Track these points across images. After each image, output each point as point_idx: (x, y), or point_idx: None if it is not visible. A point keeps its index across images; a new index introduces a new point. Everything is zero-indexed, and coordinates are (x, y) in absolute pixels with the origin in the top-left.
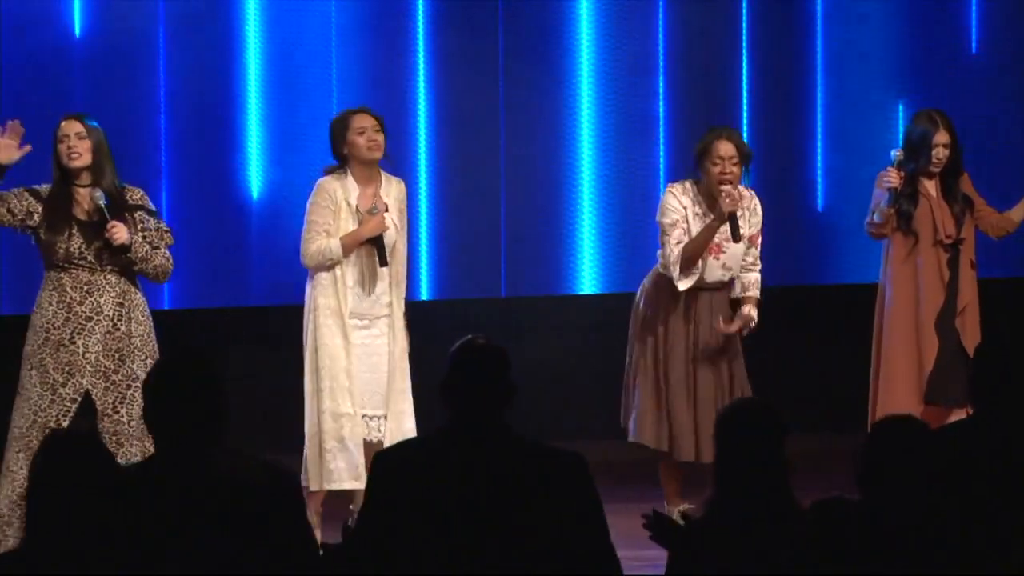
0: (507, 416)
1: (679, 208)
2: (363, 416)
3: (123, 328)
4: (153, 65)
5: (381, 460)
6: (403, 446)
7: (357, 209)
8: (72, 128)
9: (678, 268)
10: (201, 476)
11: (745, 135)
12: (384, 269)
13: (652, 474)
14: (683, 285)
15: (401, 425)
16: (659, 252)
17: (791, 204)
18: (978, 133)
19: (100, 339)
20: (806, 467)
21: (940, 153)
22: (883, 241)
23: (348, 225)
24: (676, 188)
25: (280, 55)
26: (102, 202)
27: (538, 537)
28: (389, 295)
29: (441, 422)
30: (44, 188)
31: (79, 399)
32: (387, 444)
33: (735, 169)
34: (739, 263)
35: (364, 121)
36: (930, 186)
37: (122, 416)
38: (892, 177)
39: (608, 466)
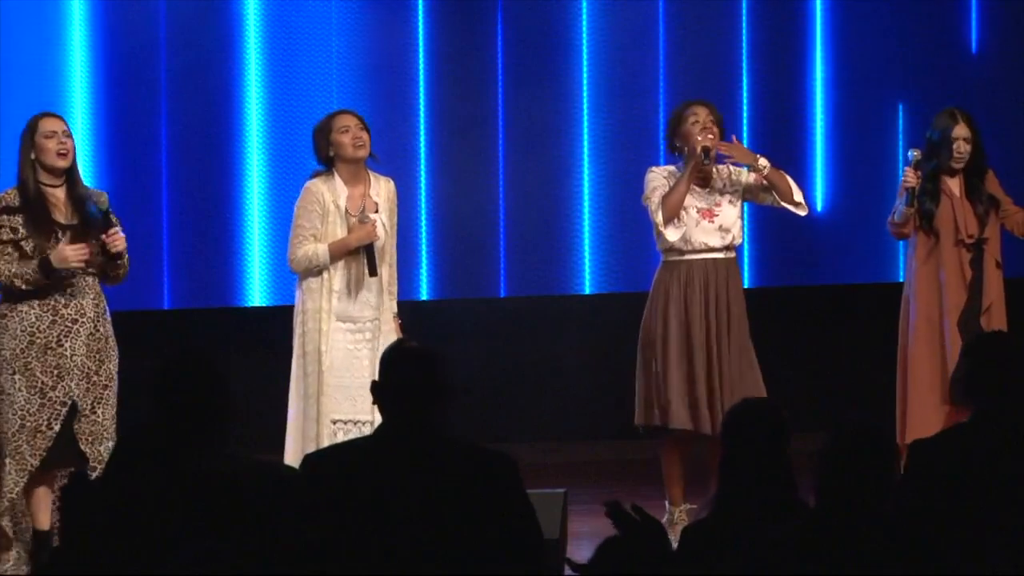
0: (496, 416)
1: (659, 177)
2: (333, 421)
3: (101, 330)
4: (154, 65)
5: (309, 462)
6: (333, 449)
7: (346, 211)
8: (59, 126)
9: (660, 214)
10: (205, 476)
11: (745, 135)
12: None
13: (652, 473)
14: (671, 235)
15: None
16: (654, 233)
17: None
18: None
19: (84, 341)
20: (806, 467)
21: (961, 147)
22: (904, 241)
23: (336, 228)
24: (656, 168)
25: (280, 55)
26: (104, 207)
27: (466, 537)
28: (378, 297)
29: (449, 421)
30: (10, 195)
31: (69, 402)
32: None
33: (715, 128)
34: (737, 225)
35: (347, 120)
36: (953, 185)
37: (99, 416)
38: (909, 177)
39: (608, 466)
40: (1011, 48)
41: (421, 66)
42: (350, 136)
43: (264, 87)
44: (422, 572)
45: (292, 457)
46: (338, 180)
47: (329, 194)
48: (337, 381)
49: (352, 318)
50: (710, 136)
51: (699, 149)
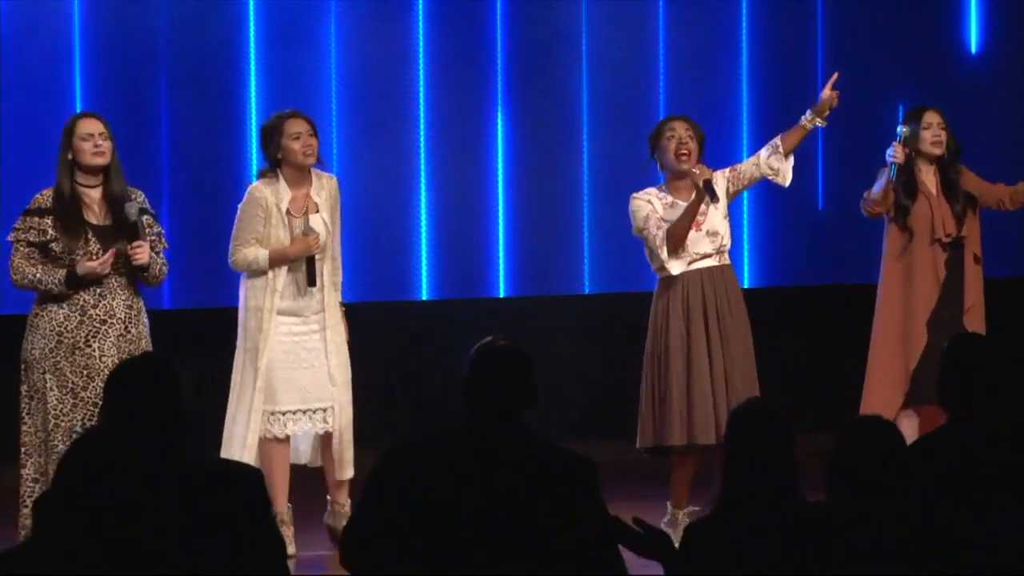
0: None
1: (645, 204)
2: (303, 411)
3: (133, 331)
4: (154, 66)
5: (391, 454)
6: (415, 442)
7: (288, 212)
8: (96, 127)
9: (665, 248)
10: (165, 477)
11: (745, 136)
12: (318, 265)
13: (651, 474)
14: (675, 267)
15: (347, 417)
16: (648, 257)
17: (791, 204)
18: (978, 133)
19: (114, 342)
20: (806, 467)
21: (937, 130)
22: (883, 239)
23: (279, 231)
24: (637, 194)
25: (280, 56)
26: (134, 218)
27: (543, 538)
28: (321, 292)
29: (451, 420)
30: (44, 196)
31: (100, 403)
32: (336, 435)
33: (691, 143)
34: (724, 227)
35: (298, 126)
36: (930, 182)
37: None
38: (897, 152)
39: (606, 466)
40: (1011, 48)
41: (421, 66)
42: (301, 143)
43: (264, 88)
44: (497, 571)
45: (227, 445)
46: (282, 183)
47: (272, 197)
48: (284, 375)
49: (296, 312)
50: (707, 171)
51: (700, 184)
